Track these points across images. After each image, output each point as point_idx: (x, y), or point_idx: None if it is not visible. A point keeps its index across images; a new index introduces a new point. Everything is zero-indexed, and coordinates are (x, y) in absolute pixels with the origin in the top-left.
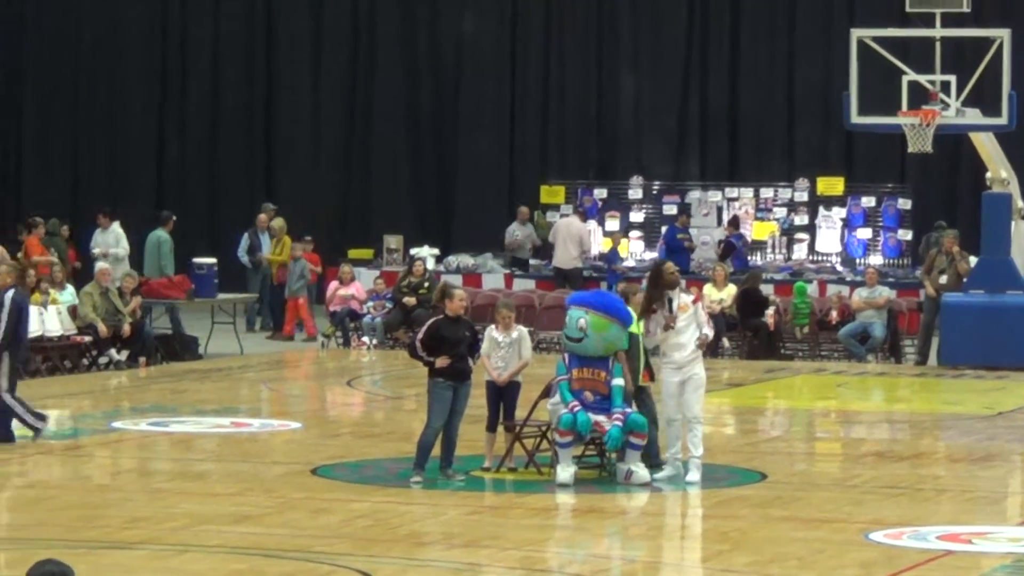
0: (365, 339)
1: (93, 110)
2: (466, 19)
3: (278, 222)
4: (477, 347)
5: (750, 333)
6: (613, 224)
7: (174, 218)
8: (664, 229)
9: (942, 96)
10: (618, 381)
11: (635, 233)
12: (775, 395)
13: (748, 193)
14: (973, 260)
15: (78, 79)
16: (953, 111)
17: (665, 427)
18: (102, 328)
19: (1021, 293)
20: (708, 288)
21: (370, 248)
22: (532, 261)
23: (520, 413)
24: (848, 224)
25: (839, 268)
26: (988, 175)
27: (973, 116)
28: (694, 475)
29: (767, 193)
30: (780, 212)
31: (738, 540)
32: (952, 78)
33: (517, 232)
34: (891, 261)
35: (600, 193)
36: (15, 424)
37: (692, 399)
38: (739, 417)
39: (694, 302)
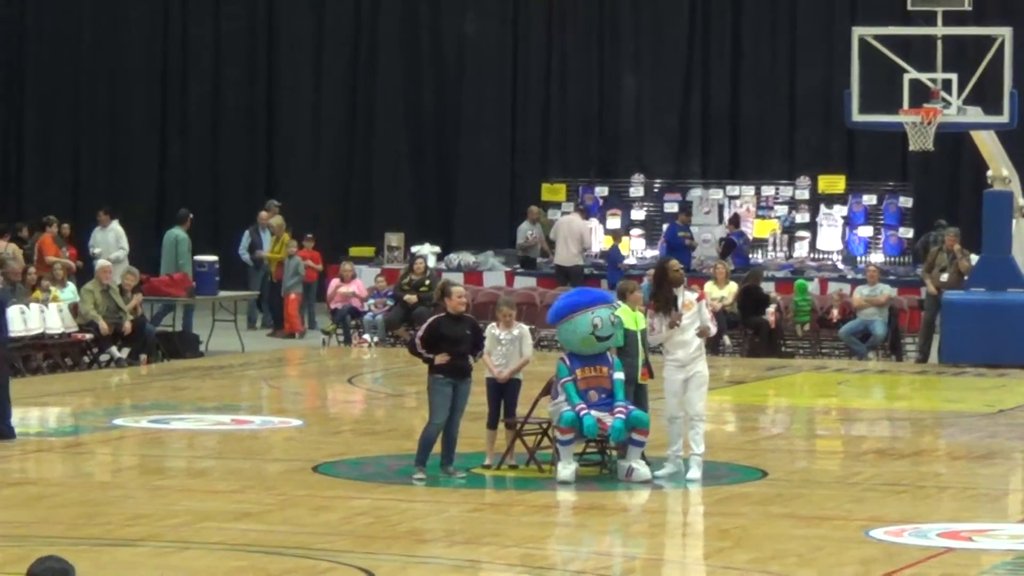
0: (366, 337)
1: (94, 110)
2: (468, 19)
3: (276, 220)
4: (481, 345)
5: (751, 331)
6: (614, 222)
7: (191, 216)
8: (665, 227)
9: (943, 94)
10: (619, 375)
11: (636, 231)
12: (776, 393)
13: (749, 191)
14: (974, 258)
15: (79, 79)
16: (954, 109)
17: (666, 425)
18: (103, 326)
19: (1022, 291)
20: (709, 286)
21: (371, 246)
22: (540, 260)
23: (521, 410)
24: (849, 222)
25: (840, 266)
26: (989, 173)
27: (974, 114)
28: (695, 472)
29: (768, 191)
30: (781, 210)
31: (739, 537)
32: (953, 76)
33: (530, 231)
34: (892, 259)
35: (601, 191)
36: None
37: (695, 396)
38: (740, 415)
39: (698, 300)
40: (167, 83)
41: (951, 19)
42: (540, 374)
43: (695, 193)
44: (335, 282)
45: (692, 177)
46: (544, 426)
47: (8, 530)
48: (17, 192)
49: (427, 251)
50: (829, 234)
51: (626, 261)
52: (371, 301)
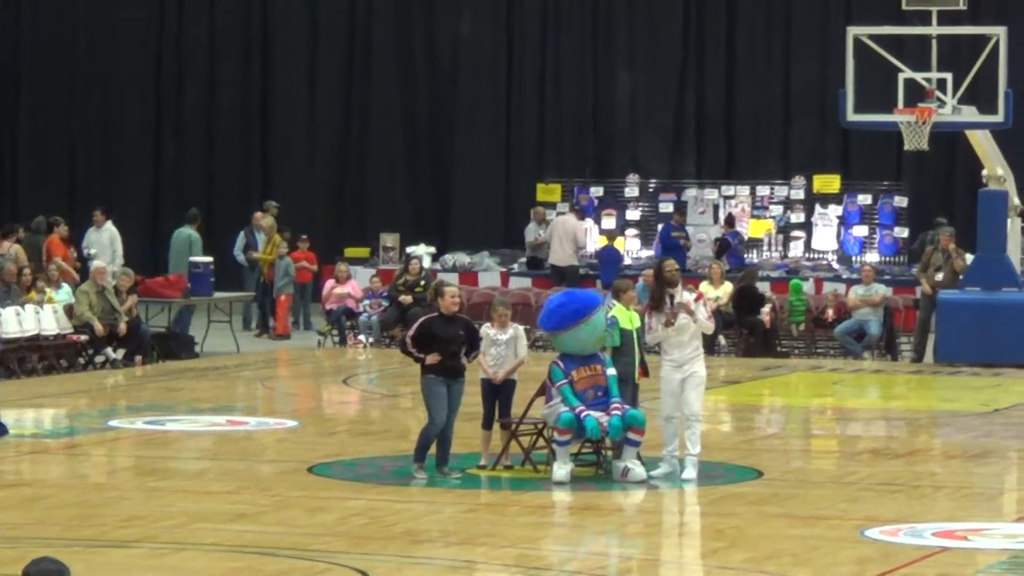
0: (361, 337)
1: (89, 112)
2: (462, 18)
3: (267, 221)
4: (476, 345)
5: (746, 331)
6: (609, 222)
7: (199, 217)
8: (660, 227)
9: (938, 94)
10: (611, 371)
11: (631, 231)
12: (771, 392)
13: (744, 191)
14: (969, 257)
15: (74, 81)
16: (949, 109)
17: (662, 425)
18: (98, 327)
19: (1017, 290)
20: (704, 286)
21: (366, 247)
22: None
23: (516, 411)
24: (844, 222)
25: (835, 265)
26: (984, 172)
27: (969, 114)
28: (690, 472)
29: (763, 191)
30: (776, 210)
31: (734, 537)
32: (948, 76)
33: (538, 231)
34: (887, 259)
35: (596, 191)
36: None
37: (692, 396)
38: (735, 414)
39: (696, 300)
40: (162, 85)
41: (946, 18)
42: (535, 374)
43: (690, 193)
44: (330, 283)
45: (687, 177)
46: (539, 426)
47: (3, 531)
48: (12, 194)
49: (422, 252)
50: (824, 234)
51: (623, 262)
52: (366, 302)
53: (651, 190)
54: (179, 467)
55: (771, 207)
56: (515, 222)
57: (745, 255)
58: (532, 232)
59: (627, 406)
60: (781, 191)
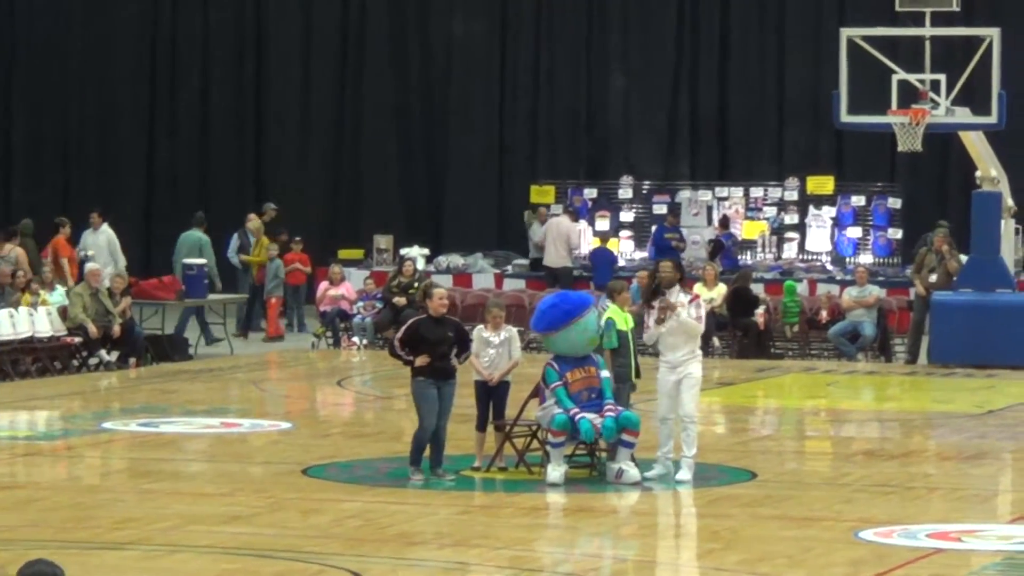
0: (355, 339)
1: (83, 113)
2: (456, 20)
3: (255, 223)
4: (466, 347)
5: (740, 332)
6: (603, 224)
7: (205, 220)
8: (654, 229)
9: (932, 95)
10: (605, 373)
11: (625, 233)
12: (765, 394)
13: (738, 192)
14: (963, 259)
15: (68, 82)
16: (943, 110)
17: (657, 426)
18: (92, 329)
19: (1011, 292)
20: (698, 287)
21: (360, 248)
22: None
23: (510, 413)
24: (838, 223)
25: (829, 267)
26: (978, 174)
27: (963, 115)
28: (685, 474)
29: (757, 192)
30: (770, 211)
31: (728, 539)
32: (942, 77)
33: (543, 232)
34: (881, 260)
35: (590, 193)
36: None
37: (686, 397)
38: (729, 416)
39: (691, 301)
40: (156, 85)
41: (939, 20)
42: (529, 376)
43: (684, 195)
44: (324, 284)
45: (681, 178)
46: (533, 428)
47: None
48: (6, 196)
49: (416, 253)
50: (818, 235)
51: (617, 263)
52: (360, 304)
53: (645, 192)
54: (173, 469)
55: (765, 208)
56: (509, 224)
57: (739, 256)
58: (538, 232)
59: (621, 408)
60: (775, 192)
